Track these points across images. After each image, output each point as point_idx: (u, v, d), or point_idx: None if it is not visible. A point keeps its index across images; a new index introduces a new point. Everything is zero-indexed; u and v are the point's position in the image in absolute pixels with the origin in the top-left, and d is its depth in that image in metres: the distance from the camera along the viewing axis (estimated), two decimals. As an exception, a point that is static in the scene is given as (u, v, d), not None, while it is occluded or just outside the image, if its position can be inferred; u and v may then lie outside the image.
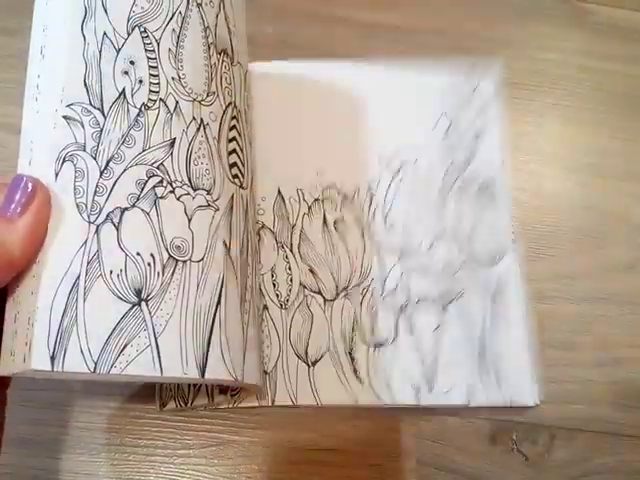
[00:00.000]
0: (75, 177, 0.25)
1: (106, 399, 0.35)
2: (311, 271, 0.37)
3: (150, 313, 0.25)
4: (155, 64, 0.28)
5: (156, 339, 0.25)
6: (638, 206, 0.41)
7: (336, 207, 0.39)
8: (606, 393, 0.37)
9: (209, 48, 0.30)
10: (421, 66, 0.42)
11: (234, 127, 0.32)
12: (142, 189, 0.26)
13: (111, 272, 0.25)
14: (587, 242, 0.41)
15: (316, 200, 0.39)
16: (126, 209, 0.26)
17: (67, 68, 0.27)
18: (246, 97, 0.34)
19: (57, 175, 0.25)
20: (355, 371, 0.36)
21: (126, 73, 0.27)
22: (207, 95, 0.30)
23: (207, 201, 0.28)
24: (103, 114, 0.27)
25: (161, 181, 0.27)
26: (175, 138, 0.28)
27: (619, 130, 0.43)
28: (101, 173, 0.26)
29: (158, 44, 0.28)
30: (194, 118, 0.29)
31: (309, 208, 0.39)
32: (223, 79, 0.31)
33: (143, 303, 0.25)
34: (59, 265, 0.24)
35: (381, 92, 0.42)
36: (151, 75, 0.28)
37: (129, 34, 0.28)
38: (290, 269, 0.37)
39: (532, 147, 0.42)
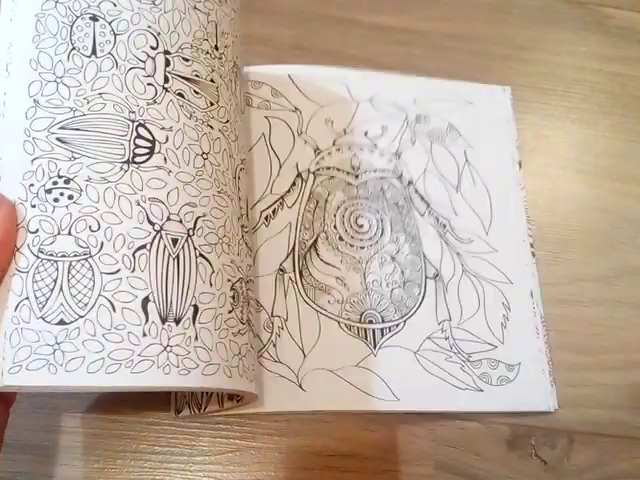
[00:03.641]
0: None
1: (121, 406, 0.34)
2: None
3: None
4: None
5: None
6: (656, 209, 0.42)
7: None
8: (624, 397, 0.37)
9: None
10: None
11: None
12: None
13: None
14: (603, 245, 0.41)
15: None
16: None
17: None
18: None
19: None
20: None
21: None
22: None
23: None
24: None
25: None
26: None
27: (637, 134, 0.43)
28: None
29: None
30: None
31: None
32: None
33: None
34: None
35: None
36: None
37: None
38: None
39: (549, 150, 0.43)
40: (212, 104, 0.30)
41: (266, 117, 0.40)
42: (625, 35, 0.45)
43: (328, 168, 0.40)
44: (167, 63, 0.29)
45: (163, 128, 0.28)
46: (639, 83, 0.45)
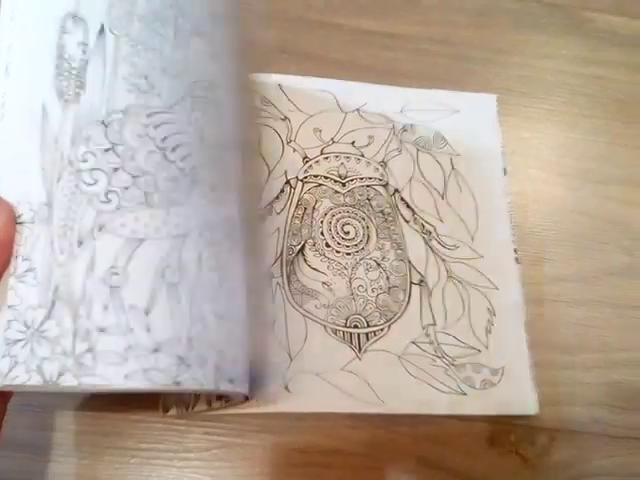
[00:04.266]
0: None
1: (107, 404, 0.34)
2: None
3: None
4: None
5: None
6: (637, 211, 0.42)
7: None
8: (603, 395, 0.38)
9: None
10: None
11: None
12: None
13: None
14: (584, 246, 0.41)
15: None
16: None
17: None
18: None
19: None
20: None
21: None
22: None
23: None
24: None
25: None
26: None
27: (618, 136, 0.43)
28: None
29: None
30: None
31: None
32: None
33: None
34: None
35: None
36: None
37: None
38: None
39: (530, 153, 0.43)
40: None
41: None
42: (605, 38, 0.45)
43: (316, 176, 0.40)
44: None
45: None
46: (619, 86, 0.45)
